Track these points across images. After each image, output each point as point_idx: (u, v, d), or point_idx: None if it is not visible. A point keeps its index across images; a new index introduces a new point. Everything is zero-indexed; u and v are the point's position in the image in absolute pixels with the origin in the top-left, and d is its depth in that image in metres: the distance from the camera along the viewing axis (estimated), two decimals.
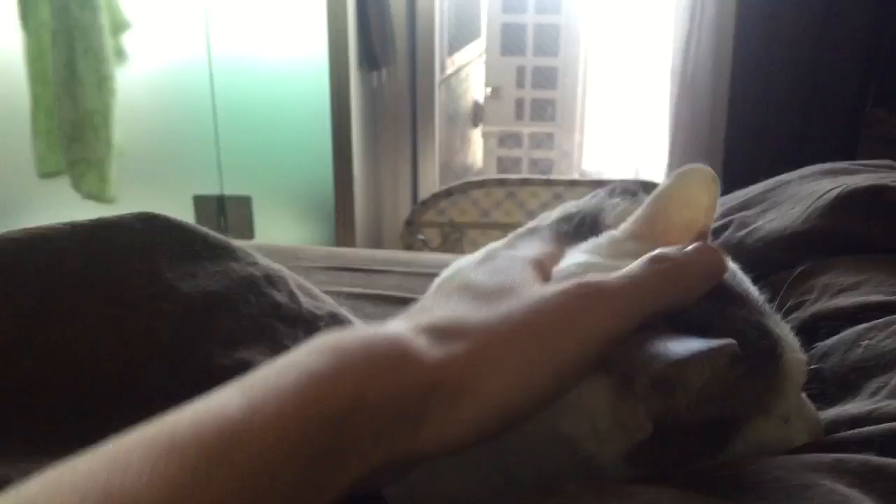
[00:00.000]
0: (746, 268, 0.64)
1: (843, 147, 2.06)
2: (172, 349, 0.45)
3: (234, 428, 0.24)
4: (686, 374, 0.32)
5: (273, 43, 2.22)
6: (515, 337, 0.30)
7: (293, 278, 0.57)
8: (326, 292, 1.06)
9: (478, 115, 3.08)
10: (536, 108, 3.03)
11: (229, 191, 2.33)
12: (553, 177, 2.53)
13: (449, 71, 2.76)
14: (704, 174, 0.39)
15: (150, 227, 0.48)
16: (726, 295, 0.37)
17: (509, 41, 3.01)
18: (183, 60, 2.25)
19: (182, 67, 2.25)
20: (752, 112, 2.13)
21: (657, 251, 0.35)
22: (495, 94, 3.03)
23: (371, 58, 2.25)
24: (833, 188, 0.68)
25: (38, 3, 1.98)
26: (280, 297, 0.53)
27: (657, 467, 0.34)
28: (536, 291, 0.32)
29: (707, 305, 0.35)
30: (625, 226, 0.40)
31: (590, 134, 3.03)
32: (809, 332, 0.58)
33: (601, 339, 0.31)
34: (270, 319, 0.51)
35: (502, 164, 3.10)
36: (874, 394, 0.46)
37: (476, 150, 3.14)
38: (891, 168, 0.77)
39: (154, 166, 2.28)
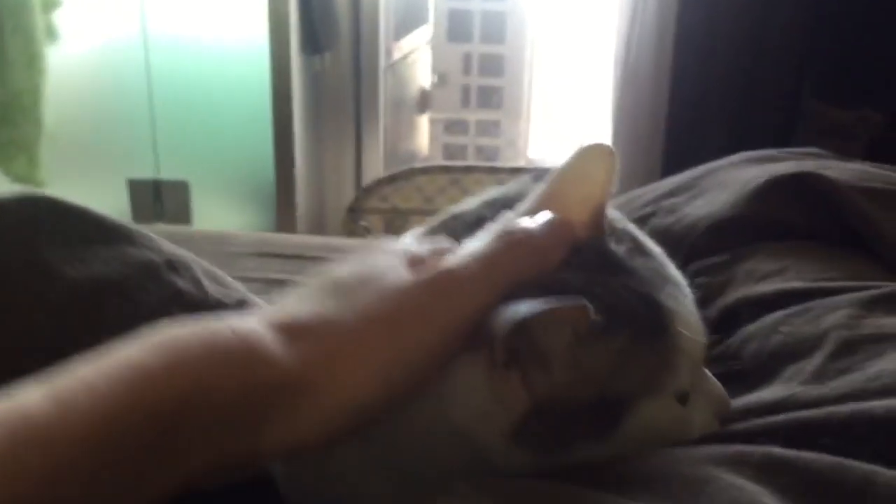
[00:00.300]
0: (673, 254, 0.64)
1: (781, 136, 2.09)
2: (55, 339, 0.42)
3: (33, 428, 0.22)
4: (539, 335, 0.32)
5: (211, 22, 2.16)
6: (370, 333, 0.29)
7: (200, 265, 0.54)
8: (255, 280, 1.03)
9: (424, 101, 3.06)
10: (483, 96, 3.01)
11: (166, 175, 2.27)
12: (497, 164, 2.52)
13: (395, 56, 2.73)
14: (600, 150, 0.39)
15: (34, 209, 0.45)
16: (611, 266, 0.36)
17: (456, 27, 2.98)
18: (117, 39, 2.17)
19: (116, 47, 2.17)
20: (692, 101, 2.14)
21: (505, 226, 0.34)
22: (442, 80, 3.01)
23: (313, 41, 2.21)
24: (760, 176, 0.68)
25: None
26: (182, 284, 0.50)
27: (545, 449, 0.32)
28: (394, 283, 0.31)
29: (587, 275, 0.35)
30: (521, 206, 0.39)
31: (536, 121, 3.03)
32: (732, 317, 0.58)
33: (460, 323, 0.31)
34: (170, 307, 0.48)
35: (448, 151, 3.08)
36: (789, 380, 0.46)
37: (422, 137, 3.11)
38: (817, 156, 0.77)
39: (87, 149, 2.20)
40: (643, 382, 0.34)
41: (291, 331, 0.28)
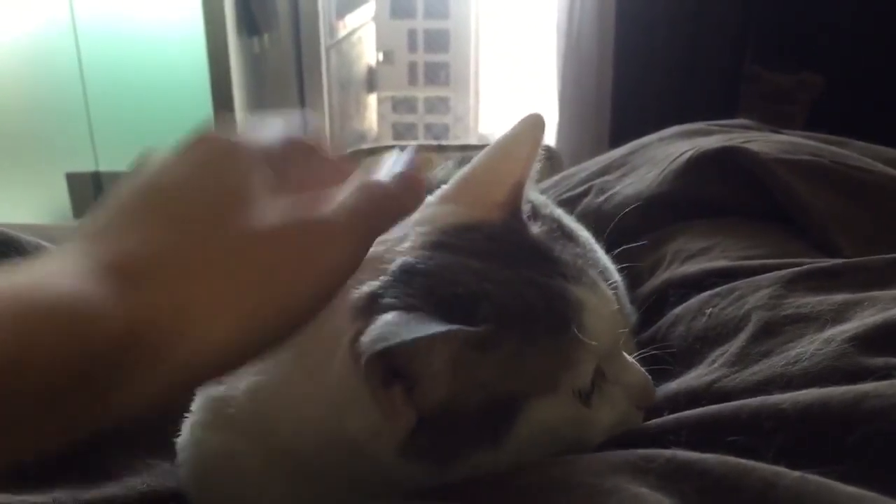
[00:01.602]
0: (605, 234, 0.62)
1: (726, 102, 2.10)
2: None
3: None
4: (411, 357, 0.30)
5: (142, 5, 2.08)
6: (231, 277, 0.26)
7: None
8: None
9: (373, 79, 3.01)
10: (430, 73, 2.97)
11: (105, 167, 2.19)
12: (445, 142, 2.50)
13: (341, 34, 2.67)
14: (530, 123, 0.37)
15: None
16: (519, 254, 0.35)
17: (399, 3, 2.93)
18: (44, 26, 2.08)
19: (44, 34, 2.09)
20: (637, 69, 2.14)
21: (365, 180, 0.32)
22: (387, 58, 2.96)
23: (250, 22, 2.15)
24: (686, 151, 0.67)
25: None
26: None
27: (436, 461, 0.31)
28: (256, 224, 0.27)
29: (486, 267, 0.33)
30: (441, 189, 0.38)
31: (485, 97, 3.00)
32: (662, 299, 0.57)
33: (334, 277, 0.28)
34: None
35: (397, 129, 3.04)
36: (712, 363, 0.45)
37: (373, 115, 3.07)
38: (745, 127, 0.77)
39: (20, 142, 2.11)
40: (536, 381, 0.32)
41: (127, 274, 0.25)
